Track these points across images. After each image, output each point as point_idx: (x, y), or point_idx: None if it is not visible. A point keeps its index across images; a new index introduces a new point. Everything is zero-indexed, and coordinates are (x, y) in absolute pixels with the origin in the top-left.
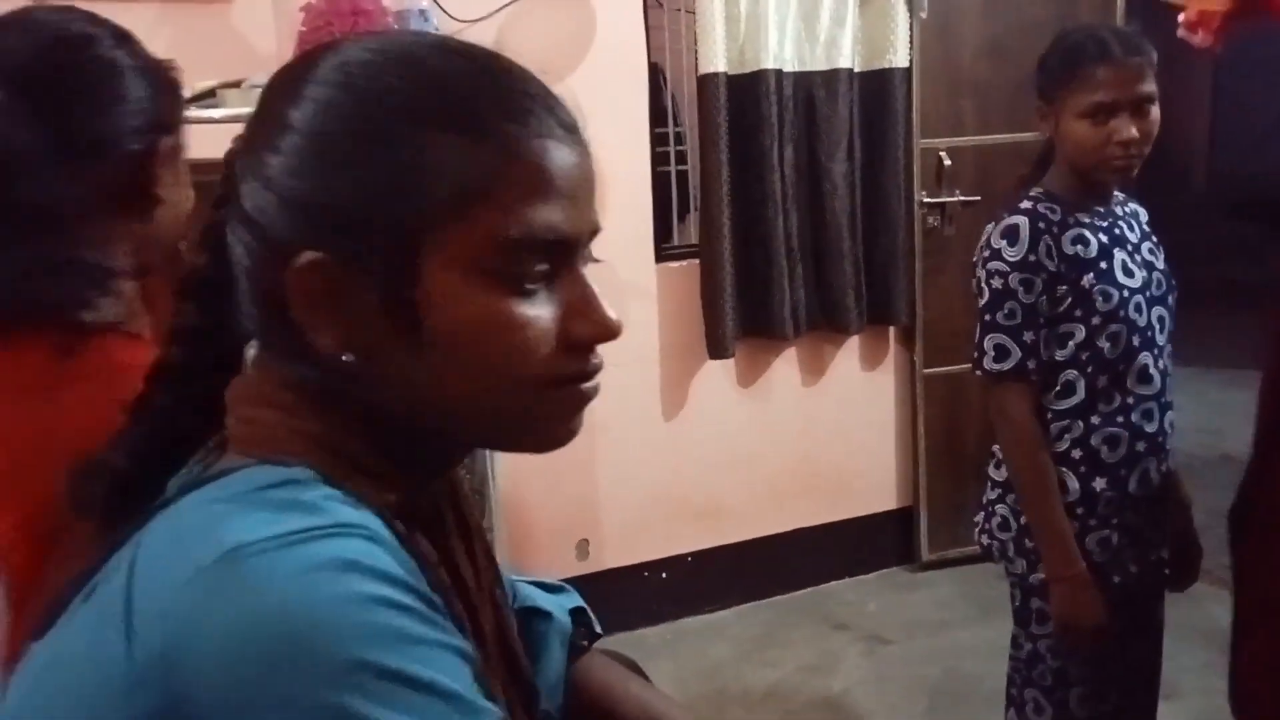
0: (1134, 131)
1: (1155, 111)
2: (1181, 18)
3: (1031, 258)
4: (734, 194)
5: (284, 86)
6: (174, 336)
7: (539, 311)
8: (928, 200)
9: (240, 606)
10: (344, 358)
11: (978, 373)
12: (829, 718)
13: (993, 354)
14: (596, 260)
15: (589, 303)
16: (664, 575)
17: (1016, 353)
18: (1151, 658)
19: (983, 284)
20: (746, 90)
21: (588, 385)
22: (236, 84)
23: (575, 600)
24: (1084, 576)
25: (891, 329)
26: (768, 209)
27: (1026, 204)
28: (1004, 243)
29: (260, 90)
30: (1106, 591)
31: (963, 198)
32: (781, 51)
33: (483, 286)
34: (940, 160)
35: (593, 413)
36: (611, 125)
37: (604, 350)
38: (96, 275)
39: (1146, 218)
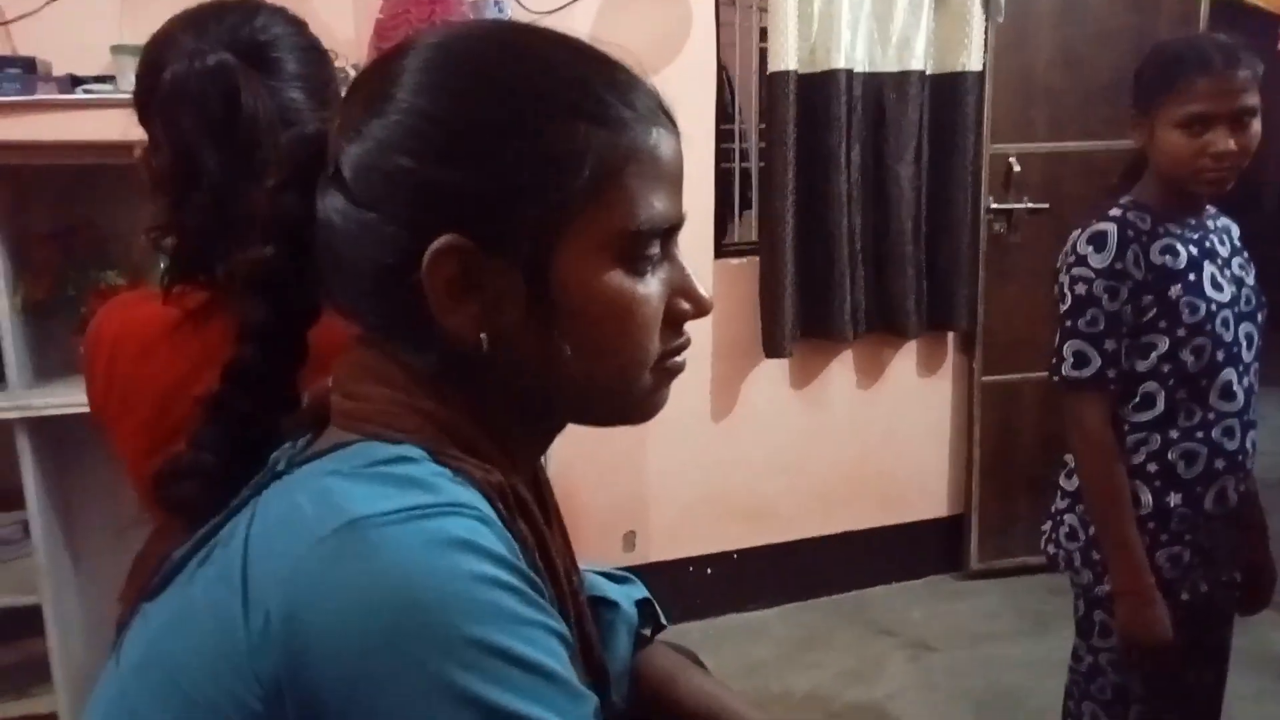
0: (1230, 144)
1: (1256, 125)
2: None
3: (1118, 265)
4: (798, 193)
5: (395, 75)
6: (247, 334)
7: (652, 291)
8: (995, 206)
9: (361, 576)
10: (481, 338)
11: (1055, 379)
12: None
13: (1072, 360)
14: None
15: (688, 282)
16: (709, 571)
17: (1096, 361)
18: (1215, 682)
19: (1065, 290)
20: (816, 89)
21: (679, 360)
22: None
23: (641, 591)
24: (1151, 591)
25: (951, 335)
26: (832, 209)
27: (1115, 211)
28: (1090, 249)
29: (351, 76)
30: (1174, 610)
31: (1031, 205)
32: (853, 52)
33: (611, 269)
34: (1010, 166)
35: None
36: (680, 120)
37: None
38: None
39: (1238, 233)
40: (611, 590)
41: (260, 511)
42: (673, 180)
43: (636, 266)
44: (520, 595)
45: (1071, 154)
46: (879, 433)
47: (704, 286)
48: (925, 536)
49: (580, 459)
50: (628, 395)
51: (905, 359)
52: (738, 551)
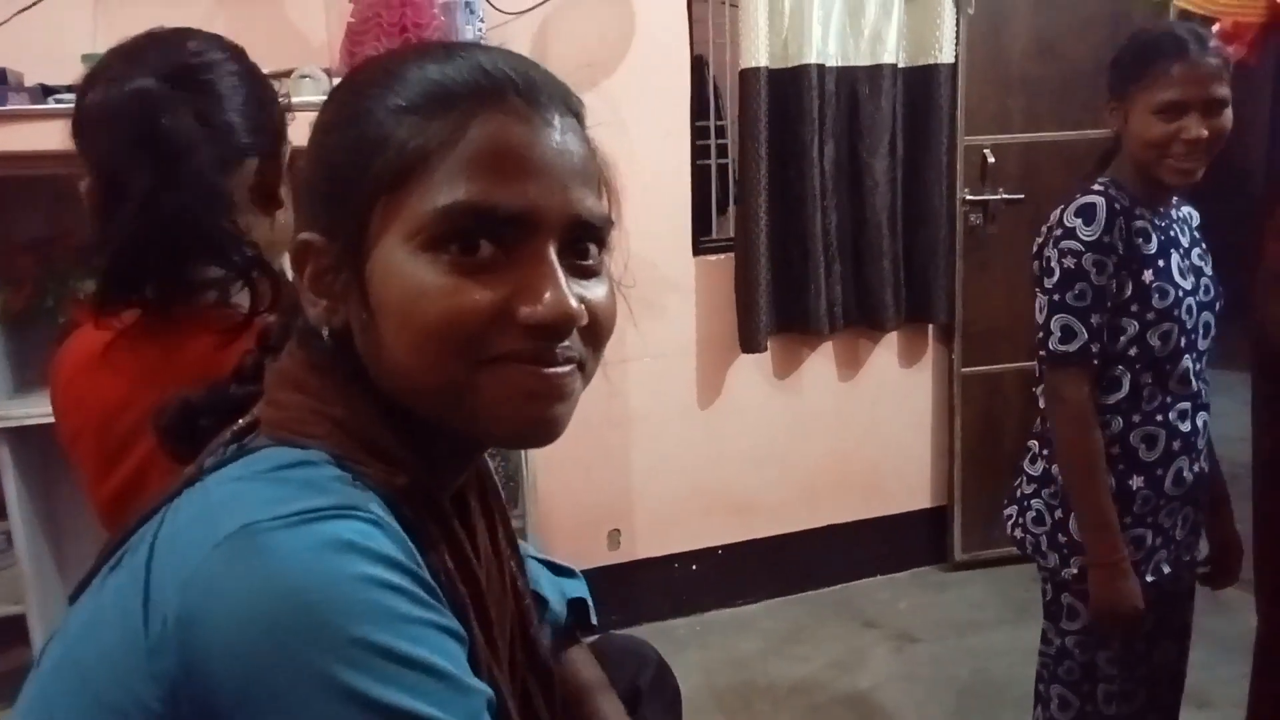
0: (1203, 131)
1: (1227, 114)
2: (1216, 28)
3: (1106, 238)
4: (772, 189)
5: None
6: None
7: (480, 286)
8: (970, 198)
9: (252, 578)
10: (323, 330)
11: (1041, 353)
12: (856, 715)
13: (1059, 335)
14: (588, 247)
15: (542, 283)
16: (694, 567)
17: (1083, 335)
18: (1178, 658)
19: (1053, 264)
20: (788, 84)
21: (549, 370)
22: (286, 74)
23: (580, 589)
24: (1125, 563)
25: (930, 327)
26: (806, 204)
27: (1098, 185)
28: (1079, 221)
29: (307, 80)
30: (1144, 588)
31: (1007, 196)
32: (825, 46)
33: (421, 259)
34: (985, 158)
35: (627, 404)
36: (652, 118)
37: (641, 343)
38: (250, 263)
39: (1198, 222)
40: (545, 585)
41: (169, 517)
42: (522, 172)
43: (458, 258)
44: (407, 595)
45: (1047, 144)
46: (861, 426)
47: (651, 296)
48: (909, 528)
49: (563, 457)
50: (462, 398)
51: (885, 352)
52: (723, 547)
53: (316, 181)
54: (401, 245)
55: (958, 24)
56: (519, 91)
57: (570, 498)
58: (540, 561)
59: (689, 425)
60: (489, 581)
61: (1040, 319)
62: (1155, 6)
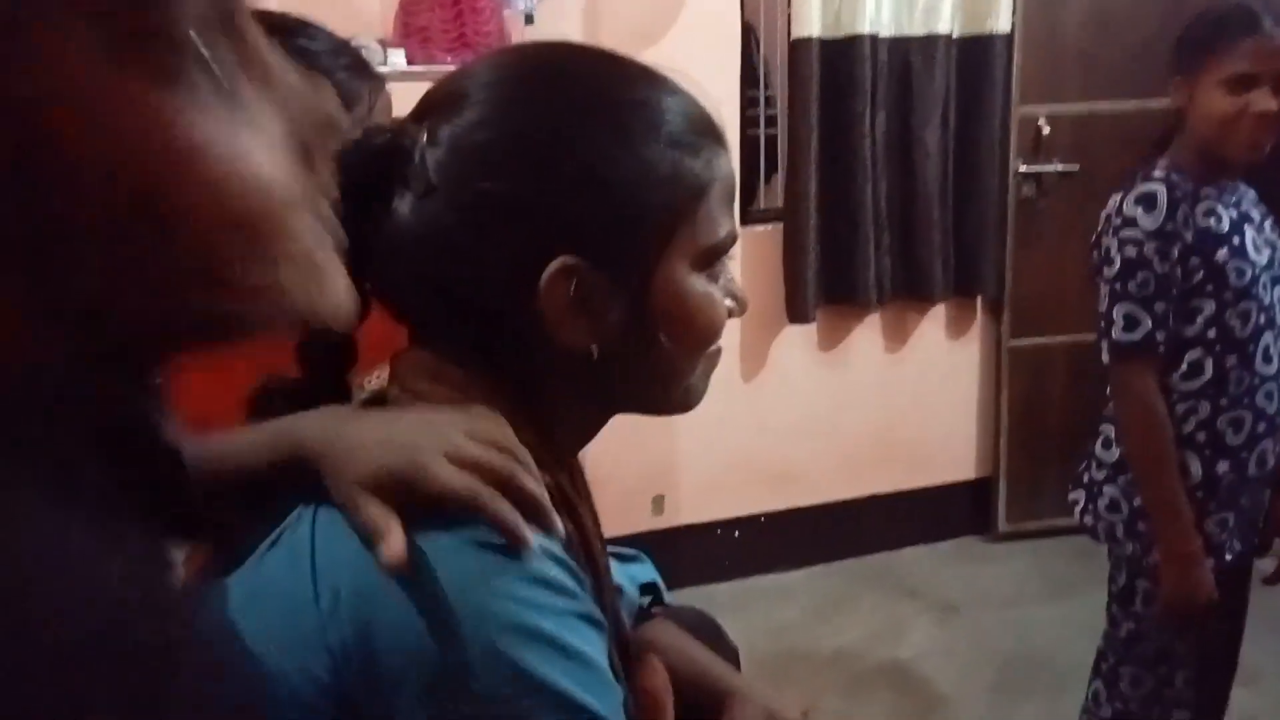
0: (1273, 105)
1: None
2: None
3: (1169, 226)
4: (822, 160)
5: (506, 90)
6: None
7: (719, 293)
8: (1024, 170)
9: (420, 563)
10: (593, 348)
11: (1103, 343)
12: (896, 683)
13: (1122, 324)
14: None
15: (734, 285)
16: (736, 534)
17: (1147, 324)
18: (1234, 636)
19: (1114, 253)
20: (840, 55)
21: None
22: None
23: (649, 573)
24: (1199, 554)
25: (978, 299)
26: (857, 175)
27: (1159, 172)
28: (1139, 209)
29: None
30: (1216, 571)
31: (1061, 167)
32: (878, 16)
33: (699, 278)
34: (1039, 129)
35: None
36: (701, 88)
37: None
38: None
39: (1256, 197)
40: (618, 573)
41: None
42: (733, 197)
43: (712, 273)
44: (561, 589)
45: (1103, 115)
46: (906, 396)
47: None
48: (952, 499)
49: (612, 425)
50: (695, 386)
51: (932, 323)
52: (765, 515)
53: (581, 210)
54: (686, 267)
55: None
56: (717, 126)
57: (617, 465)
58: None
59: (733, 395)
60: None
61: (1103, 308)
62: None
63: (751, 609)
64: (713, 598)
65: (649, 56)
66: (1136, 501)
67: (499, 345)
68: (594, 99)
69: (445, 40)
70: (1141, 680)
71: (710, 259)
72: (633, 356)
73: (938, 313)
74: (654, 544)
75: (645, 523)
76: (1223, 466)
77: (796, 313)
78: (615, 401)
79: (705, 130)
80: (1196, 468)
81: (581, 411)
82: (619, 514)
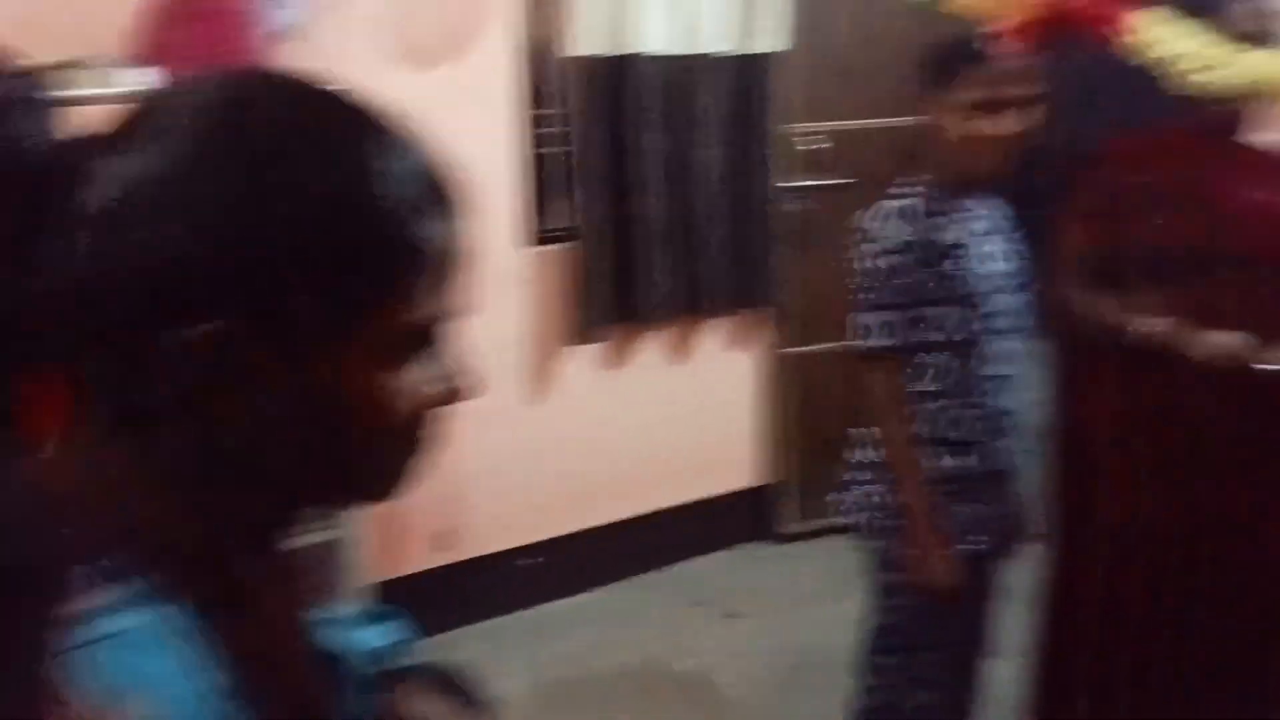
0: (1009, 129)
1: (1036, 111)
2: (997, 28)
3: (905, 240)
4: (606, 179)
5: (190, 130)
6: None
7: (416, 376)
8: (796, 185)
9: None
10: (245, 427)
11: (852, 351)
12: (687, 695)
13: (867, 332)
14: None
15: (448, 364)
16: (529, 562)
17: (889, 331)
18: (987, 623)
19: (861, 264)
20: (617, 74)
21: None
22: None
23: (397, 632)
24: (943, 545)
25: (758, 312)
26: (637, 194)
27: (901, 190)
28: (879, 225)
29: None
30: (961, 559)
31: (831, 181)
32: (653, 35)
33: (379, 357)
34: (810, 145)
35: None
36: (483, 106)
37: (471, 334)
38: None
39: (1006, 211)
40: (348, 641)
41: None
42: (451, 272)
43: (406, 355)
44: None
45: (873, 130)
46: (691, 410)
47: (511, 280)
48: (739, 506)
49: None
50: (370, 474)
51: (715, 338)
52: (557, 539)
53: (246, 267)
54: (370, 347)
55: (785, 12)
56: (440, 196)
57: (396, 502)
58: (353, 615)
59: (521, 419)
60: None
61: (852, 318)
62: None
63: (545, 636)
64: (507, 629)
65: (431, 76)
66: (884, 497)
67: (147, 418)
68: (289, 151)
69: (194, 57)
70: (895, 668)
71: (405, 339)
72: (293, 441)
73: (720, 327)
74: (443, 581)
75: (430, 560)
76: (963, 461)
77: (587, 333)
78: (281, 487)
79: (421, 199)
80: (934, 463)
81: (247, 497)
82: (405, 553)
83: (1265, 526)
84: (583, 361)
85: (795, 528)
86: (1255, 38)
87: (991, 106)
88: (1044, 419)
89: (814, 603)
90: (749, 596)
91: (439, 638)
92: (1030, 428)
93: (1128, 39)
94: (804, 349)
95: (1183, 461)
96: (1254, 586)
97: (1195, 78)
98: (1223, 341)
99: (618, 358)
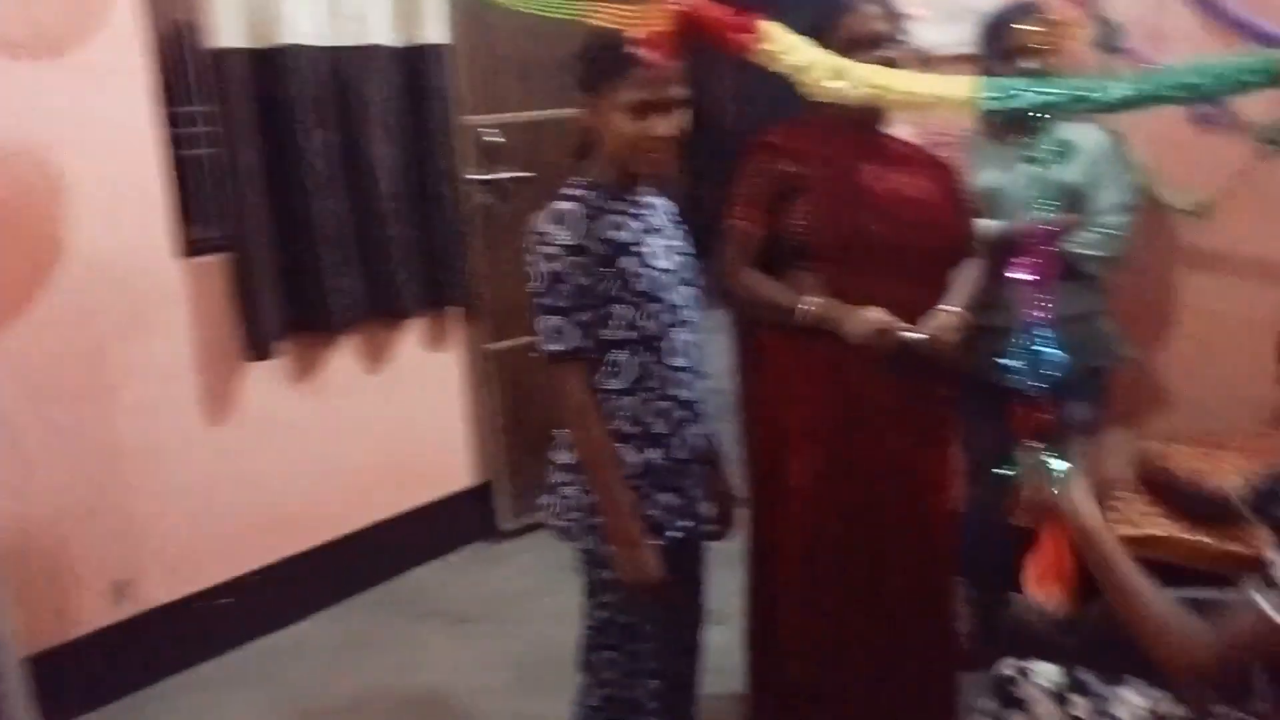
0: (671, 129)
1: (686, 113)
2: (636, 36)
3: (581, 241)
4: (268, 180)
5: None
6: None
7: None
8: (479, 178)
9: None
10: None
11: (536, 355)
12: (421, 710)
13: (551, 336)
14: None
15: None
16: (230, 598)
17: (573, 333)
18: (698, 601)
19: (537, 268)
20: (269, 66)
21: None
22: None
23: None
24: (641, 537)
25: (454, 309)
26: (306, 194)
27: (572, 190)
28: (553, 227)
29: None
30: (663, 546)
31: (515, 174)
32: (305, 25)
33: None
34: (489, 138)
35: (116, 433)
36: (111, 104)
37: (126, 364)
38: None
39: (671, 207)
40: None
41: None
42: None
43: None
44: None
45: (548, 122)
46: (395, 417)
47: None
48: (458, 508)
49: (51, 509)
50: None
51: (410, 340)
52: (261, 569)
53: None
54: None
55: (446, 3)
56: None
57: (65, 551)
58: None
59: (199, 448)
60: None
61: (535, 322)
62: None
63: (270, 672)
64: (212, 675)
65: (55, 66)
66: (588, 499)
67: None
68: None
69: None
70: (617, 662)
71: None
72: None
73: (414, 328)
74: (124, 636)
75: (108, 615)
76: (654, 454)
77: (257, 348)
78: None
79: None
80: (632, 458)
81: None
82: (78, 612)
83: (924, 468)
84: (262, 379)
85: (515, 524)
86: (875, 42)
87: (654, 107)
88: (731, 395)
89: (542, 597)
90: (478, 600)
91: (147, 692)
92: (717, 409)
93: (760, 48)
94: (506, 344)
95: (848, 420)
96: (924, 524)
97: (824, 85)
98: (873, 317)
99: (303, 370)
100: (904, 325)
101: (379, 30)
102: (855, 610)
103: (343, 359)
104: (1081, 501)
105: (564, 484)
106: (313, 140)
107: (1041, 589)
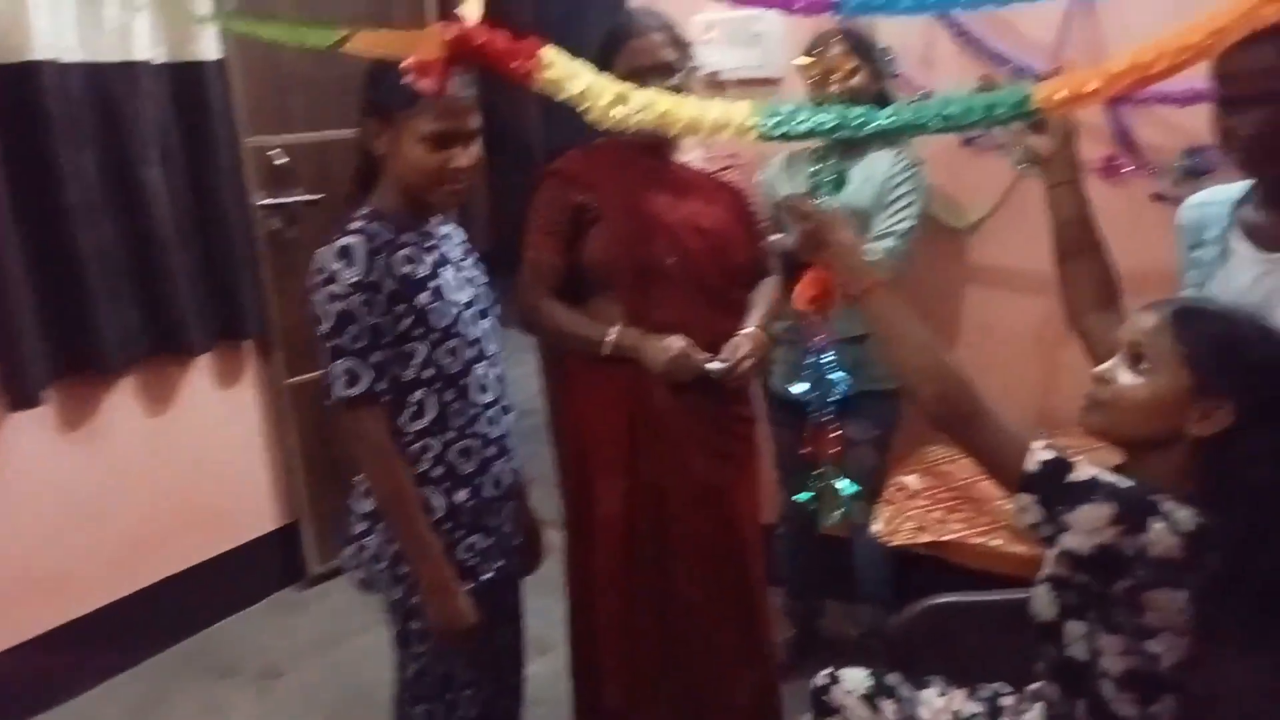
0: (471, 159)
1: (479, 143)
2: (404, 64)
3: (371, 277)
4: (19, 208)
5: None
6: None
7: None
8: (267, 202)
9: None
10: None
11: (329, 402)
12: None
13: (343, 380)
14: None
15: None
16: (2, 672)
17: (368, 375)
18: (516, 638)
19: (323, 309)
20: (17, 83)
21: None
22: None
23: None
24: (453, 584)
25: (247, 342)
26: (67, 222)
27: (358, 224)
28: (338, 264)
29: None
30: (476, 589)
31: (305, 197)
32: (59, 39)
33: None
34: (274, 159)
35: None
36: None
37: None
38: None
39: (462, 238)
40: None
41: None
42: None
43: None
44: None
45: (336, 143)
46: (187, 461)
47: None
48: (261, 554)
49: None
50: None
51: (199, 377)
52: (37, 638)
53: None
54: None
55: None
56: None
57: None
58: None
59: None
60: None
61: (325, 364)
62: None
63: None
64: None
65: None
66: (394, 548)
67: None
68: None
69: None
70: (434, 713)
71: None
72: None
73: (203, 364)
74: None
75: None
76: (461, 495)
77: (20, 396)
78: None
79: None
80: (438, 501)
81: None
82: None
83: (730, 488)
84: (27, 429)
85: (324, 566)
86: (662, 70)
87: (454, 138)
88: (544, 422)
89: (353, 639)
90: (286, 651)
91: None
92: (531, 433)
93: (541, 76)
94: (305, 377)
95: (654, 447)
96: (734, 544)
97: (608, 112)
98: (674, 346)
99: (76, 417)
100: (705, 355)
101: (142, 46)
102: (671, 634)
103: (122, 401)
104: (854, 250)
105: (366, 533)
106: (73, 163)
107: (807, 306)
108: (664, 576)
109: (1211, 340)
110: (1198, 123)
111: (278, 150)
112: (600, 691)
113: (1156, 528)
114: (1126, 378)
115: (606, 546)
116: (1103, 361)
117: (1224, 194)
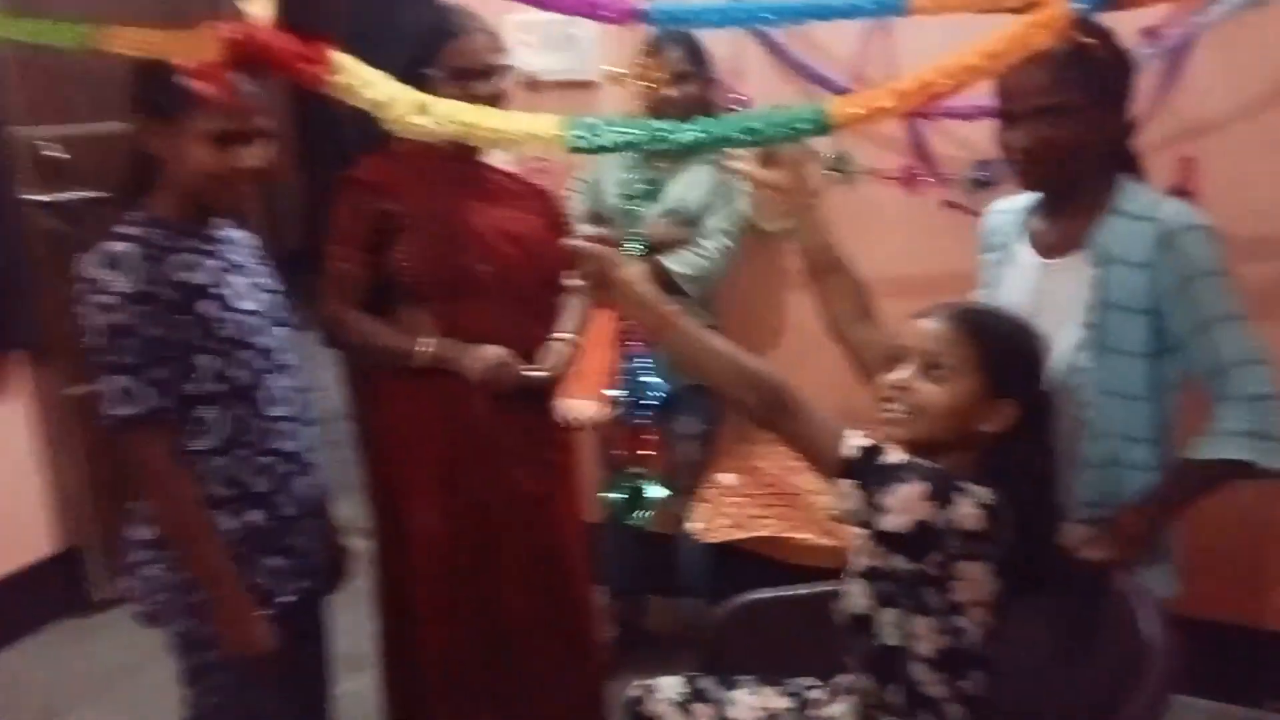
0: (257, 160)
1: (271, 144)
2: (181, 68)
3: (144, 287)
4: None
5: None
6: None
7: None
8: (40, 199)
9: None
10: None
11: (104, 422)
12: None
13: (118, 399)
14: None
15: None
16: None
17: (147, 393)
18: (321, 658)
19: (95, 320)
20: None
21: None
22: None
23: None
24: (249, 609)
25: (20, 351)
26: None
27: (132, 229)
28: (107, 272)
29: None
30: (279, 613)
31: (86, 194)
32: None
33: None
34: (49, 152)
35: None
36: None
37: None
38: None
39: (253, 241)
40: None
41: None
42: None
43: None
44: None
45: (121, 136)
46: None
47: None
48: (38, 581)
49: None
50: None
51: None
52: None
53: None
54: None
55: None
56: None
57: None
58: None
59: None
60: None
61: (97, 381)
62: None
63: None
64: None
65: None
66: (181, 575)
67: None
68: None
69: None
70: None
71: None
72: None
73: None
74: None
75: None
76: (255, 516)
77: None
78: None
79: None
80: (229, 523)
81: None
82: None
83: (549, 495)
84: None
85: (110, 592)
86: (486, 73)
87: (238, 137)
88: (348, 435)
89: (145, 671)
90: (69, 685)
91: None
92: (322, 456)
93: (333, 81)
94: (86, 388)
95: (470, 458)
96: (557, 554)
97: (407, 121)
98: (491, 354)
99: None
100: (523, 364)
101: None
102: (495, 646)
103: None
104: (641, 288)
105: (147, 562)
106: None
107: (582, 393)
108: (488, 589)
109: (998, 344)
110: (988, 137)
111: (54, 143)
112: (424, 707)
113: (962, 502)
114: (926, 386)
115: (426, 564)
116: (871, 368)
117: (1022, 202)
